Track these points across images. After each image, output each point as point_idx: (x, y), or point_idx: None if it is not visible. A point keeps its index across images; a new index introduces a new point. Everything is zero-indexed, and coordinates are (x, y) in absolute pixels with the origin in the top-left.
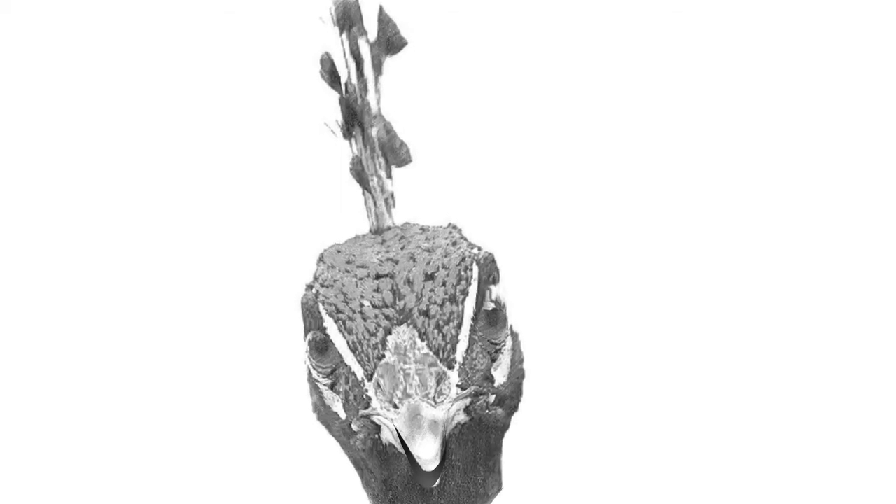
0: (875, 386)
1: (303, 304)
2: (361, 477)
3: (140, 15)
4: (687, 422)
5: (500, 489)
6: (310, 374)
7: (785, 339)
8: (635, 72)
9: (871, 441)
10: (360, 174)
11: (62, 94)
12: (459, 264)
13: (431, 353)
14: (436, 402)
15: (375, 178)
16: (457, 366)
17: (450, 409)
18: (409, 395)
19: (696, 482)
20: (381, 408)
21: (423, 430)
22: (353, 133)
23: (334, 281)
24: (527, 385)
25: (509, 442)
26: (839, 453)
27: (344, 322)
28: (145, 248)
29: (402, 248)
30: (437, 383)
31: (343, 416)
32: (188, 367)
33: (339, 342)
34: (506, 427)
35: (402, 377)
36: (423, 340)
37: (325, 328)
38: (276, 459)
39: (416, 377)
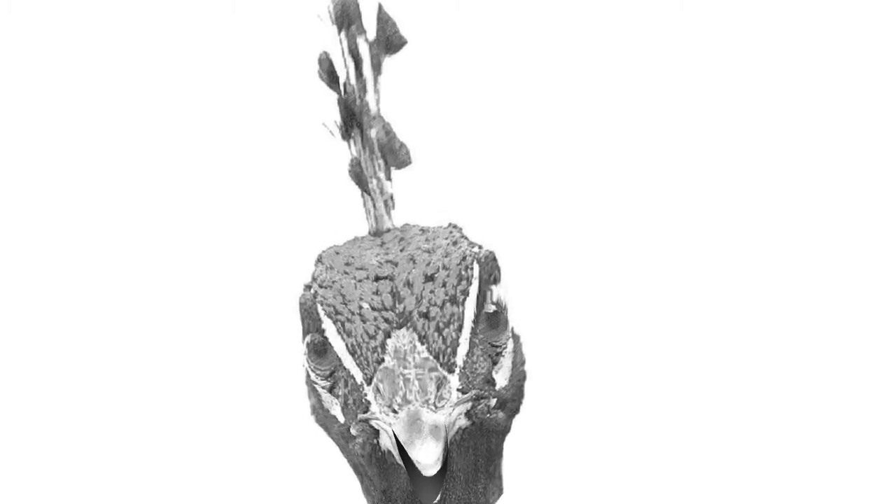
0: (875, 386)
1: (301, 305)
2: (361, 483)
3: (137, 14)
4: (688, 424)
5: (500, 494)
6: (308, 376)
7: (785, 338)
8: (635, 71)
9: (872, 441)
10: (359, 176)
11: (62, 94)
12: (460, 263)
13: (431, 358)
14: (436, 408)
15: (374, 181)
16: (457, 370)
17: (451, 413)
18: (408, 402)
19: (697, 485)
20: (381, 412)
21: (423, 435)
22: (352, 134)
23: (333, 282)
24: (528, 387)
25: (510, 444)
26: (839, 453)
27: (343, 324)
28: (144, 249)
29: (401, 250)
30: (438, 388)
31: (342, 419)
32: (186, 369)
33: (338, 345)
34: (507, 430)
35: (401, 382)
36: (422, 344)
37: (323, 330)
38: (276, 462)
39: (416, 382)
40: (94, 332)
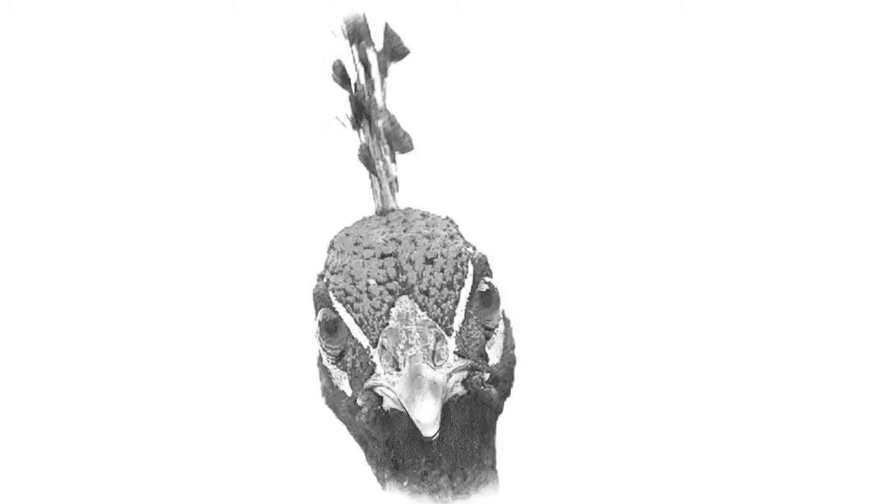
0: (875, 386)
1: (315, 295)
2: (366, 451)
3: (159, 16)
4: (679, 417)
5: (493, 467)
6: (319, 358)
7: (776, 333)
8: (635, 71)
9: (872, 441)
10: (367, 159)
11: (67, 93)
12: (456, 258)
13: (431, 320)
14: (435, 364)
15: (381, 163)
16: (454, 333)
17: (449, 375)
18: (410, 346)
19: (689, 476)
20: (385, 372)
21: (423, 391)
22: (361, 125)
23: (343, 266)
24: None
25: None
26: (839, 453)
27: (352, 304)
28: (159, 244)
29: (404, 231)
30: (437, 340)
31: (349, 392)
32: (198, 360)
33: (348, 319)
34: (499, 410)
35: (404, 335)
36: (423, 311)
37: (335, 310)
38: (284, 449)
39: (417, 333)
40: (96, 328)
